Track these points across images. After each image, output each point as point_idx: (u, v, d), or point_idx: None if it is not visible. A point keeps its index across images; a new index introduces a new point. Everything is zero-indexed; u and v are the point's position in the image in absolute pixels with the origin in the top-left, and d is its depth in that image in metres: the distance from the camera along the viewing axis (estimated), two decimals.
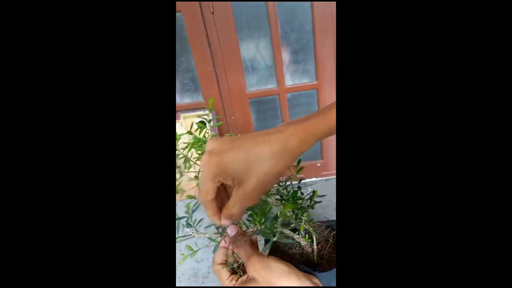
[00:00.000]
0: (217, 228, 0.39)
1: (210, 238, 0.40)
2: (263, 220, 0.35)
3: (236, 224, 0.36)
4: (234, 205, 0.28)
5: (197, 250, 0.40)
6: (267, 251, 0.33)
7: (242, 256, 0.34)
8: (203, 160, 0.27)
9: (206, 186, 0.28)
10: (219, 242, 0.39)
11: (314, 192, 0.47)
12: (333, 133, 0.29)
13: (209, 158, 0.27)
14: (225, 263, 0.37)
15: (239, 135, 0.29)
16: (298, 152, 0.27)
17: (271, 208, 0.36)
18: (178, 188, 0.42)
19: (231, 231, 0.35)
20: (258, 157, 0.26)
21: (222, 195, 0.31)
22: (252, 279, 0.32)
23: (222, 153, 0.26)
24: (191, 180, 0.45)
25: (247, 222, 0.39)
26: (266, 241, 0.33)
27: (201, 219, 0.40)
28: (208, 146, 0.28)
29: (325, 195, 0.51)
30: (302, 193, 0.51)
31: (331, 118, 0.29)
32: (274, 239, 0.34)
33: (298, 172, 0.46)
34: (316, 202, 0.48)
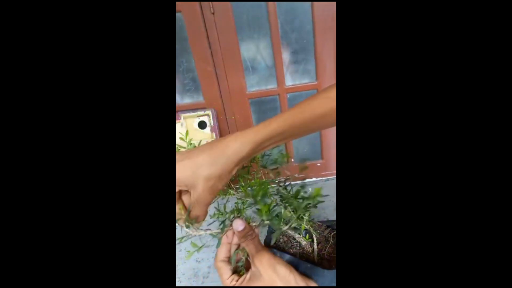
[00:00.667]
0: (220, 225, 0.39)
1: (211, 235, 0.40)
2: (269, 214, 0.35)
3: (243, 219, 0.37)
4: (193, 207, 0.32)
5: (202, 246, 0.40)
6: (275, 239, 0.34)
7: (250, 250, 0.35)
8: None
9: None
10: (221, 238, 0.39)
11: (316, 190, 0.47)
12: (279, 140, 0.34)
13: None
14: (228, 260, 0.38)
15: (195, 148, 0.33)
16: (237, 156, 0.31)
17: (275, 204, 0.36)
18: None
19: (238, 225, 0.36)
20: (201, 164, 0.30)
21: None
22: (255, 275, 0.33)
23: (177, 164, 0.30)
24: None
25: (254, 216, 0.39)
26: (271, 231, 0.34)
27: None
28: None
29: (328, 195, 0.51)
30: (305, 192, 0.51)
31: (275, 124, 0.33)
32: (285, 227, 0.34)
33: (302, 170, 0.47)
34: (319, 201, 0.48)
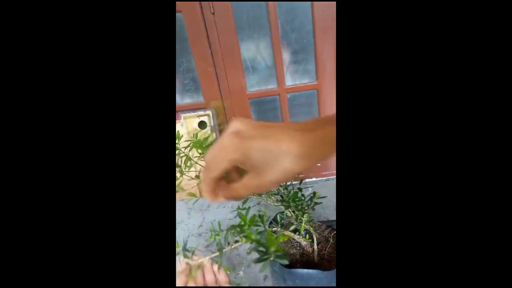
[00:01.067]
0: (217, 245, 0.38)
1: (212, 260, 0.40)
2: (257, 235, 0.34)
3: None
4: (242, 189, 0.27)
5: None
6: (265, 269, 0.31)
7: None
8: (225, 139, 0.25)
9: (218, 165, 0.26)
10: (220, 263, 0.38)
11: (314, 193, 0.47)
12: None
13: (232, 139, 0.25)
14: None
15: (263, 122, 0.27)
16: (326, 157, 0.25)
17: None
18: (177, 187, 0.42)
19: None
20: (287, 153, 0.24)
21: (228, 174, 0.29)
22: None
23: (248, 138, 0.25)
24: (191, 180, 0.45)
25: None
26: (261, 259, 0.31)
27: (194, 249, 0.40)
28: (234, 126, 0.26)
29: (326, 196, 0.51)
30: (303, 195, 0.50)
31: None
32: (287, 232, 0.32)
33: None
34: (316, 203, 0.48)
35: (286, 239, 0.45)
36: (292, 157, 0.24)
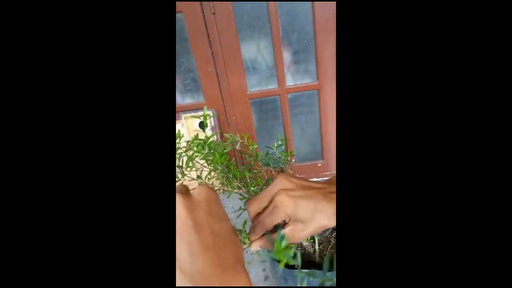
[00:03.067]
0: None
1: None
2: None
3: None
4: (291, 235, 0.32)
5: None
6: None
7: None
8: (278, 197, 0.31)
9: (273, 218, 0.31)
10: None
11: None
12: None
13: (285, 198, 0.31)
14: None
15: (302, 180, 0.33)
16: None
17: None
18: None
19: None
20: (323, 212, 0.30)
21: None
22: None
23: (297, 198, 0.30)
24: (192, 180, 0.45)
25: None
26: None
27: None
28: (282, 185, 0.32)
29: None
30: None
31: None
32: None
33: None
34: None
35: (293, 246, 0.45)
36: (327, 215, 0.30)
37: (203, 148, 0.42)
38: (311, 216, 0.30)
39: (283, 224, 0.33)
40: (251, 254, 0.38)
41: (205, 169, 0.46)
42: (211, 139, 0.44)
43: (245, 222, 0.37)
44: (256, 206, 0.33)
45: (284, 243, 0.30)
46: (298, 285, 0.33)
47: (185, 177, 0.43)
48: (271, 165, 0.55)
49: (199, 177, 0.45)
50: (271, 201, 0.32)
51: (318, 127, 1.36)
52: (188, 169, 0.43)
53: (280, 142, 0.55)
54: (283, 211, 0.31)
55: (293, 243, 0.34)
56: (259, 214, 0.33)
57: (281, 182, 0.32)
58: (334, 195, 0.31)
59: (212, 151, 0.42)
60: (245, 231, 0.36)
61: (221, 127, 1.37)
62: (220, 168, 0.44)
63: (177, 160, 0.43)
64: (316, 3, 1.10)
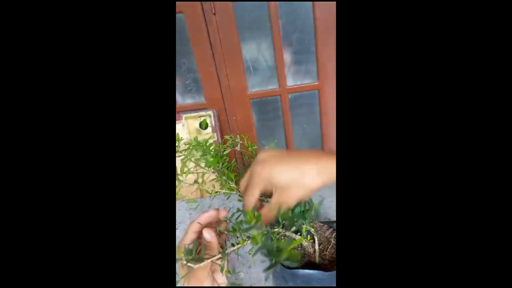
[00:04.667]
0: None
1: (217, 263, 0.40)
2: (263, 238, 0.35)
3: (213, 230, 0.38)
4: (271, 209, 0.33)
5: None
6: (269, 272, 0.35)
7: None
8: (253, 168, 0.32)
9: (252, 190, 0.33)
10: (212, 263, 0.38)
11: (315, 206, 0.46)
12: None
13: (259, 167, 0.32)
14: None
15: (284, 152, 0.35)
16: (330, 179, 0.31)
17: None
18: (177, 194, 0.42)
19: (206, 236, 0.37)
20: (306, 172, 0.30)
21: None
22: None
23: (272, 164, 0.31)
24: (190, 185, 0.45)
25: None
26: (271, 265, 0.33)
27: None
28: (260, 157, 0.33)
29: (325, 198, 0.51)
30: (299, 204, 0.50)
31: None
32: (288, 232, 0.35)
33: None
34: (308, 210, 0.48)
35: (297, 245, 0.45)
36: (311, 174, 0.30)
37: (195, 152, 0.42)
38: (294, 179, 0.31)
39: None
40: (252, 256, 0.38)
41: (205, 172, 0.46)
42: (210, 141, 0.44)
43: (241, 221, 0.37)
44: (243, 184, 0.35)
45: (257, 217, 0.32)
46: (298, 285, 0.33)
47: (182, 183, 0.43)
48: None
49: (196, 181, 0.45)
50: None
51: (319, 127, 1.36)
52: (184, 175, 0.43)
53: (272, 145, 0.55)
54: (260, 180, 0.32)
55: (287, 211, 0.35)
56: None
57: (260, 155, 0.34)
58: (316, 156, 0.31)
59: (206, 153, 0.42)
60: (241, 229, 0.36)
61: (222, 127, 1.37)
62: (215, 170, 0.44)
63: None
64: (316, 3, 1.10)
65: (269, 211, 0.34)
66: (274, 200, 0.33)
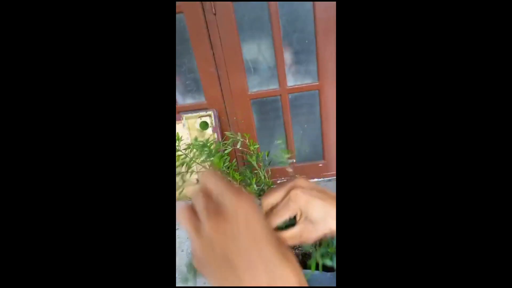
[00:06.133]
0: None
1: None
2: None
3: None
4: (292, 238, 0.33)
5: None
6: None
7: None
8: (293, 192, 0.32)
9: (284, 212, 0.32)
10: None
11: None
12: None
13: (300, 192, 0.32)
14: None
15: (319, 186, 0.35)
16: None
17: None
18: (180, 195, 0.42)
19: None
20: (329, 216, 0.31)
21: None
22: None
23: (311, 196, 0.32)
24: (194, 185, 0.44)
25: None
26: None
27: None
28: (300, 183, 0.33)
29: None
30: None
31: None
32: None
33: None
34: None
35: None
36: (330, 218, 0.31)
37: (201, 153, 0.42)
38: (322, 218, 0.31)
39: (293, 222, 0.33)
40: None
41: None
42: (211, 140, 0.44)
43: None
44: (271, 199, 0.34)
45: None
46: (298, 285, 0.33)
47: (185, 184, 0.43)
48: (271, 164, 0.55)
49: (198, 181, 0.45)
50: (286, 195, 0.33)
51: (319, 127, 1.36)
52: (188, 174, 0.43)
53: (279, 141, 0.55)
54: (296, 204, 0.32)
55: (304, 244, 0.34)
56: (272, 208, 0.34)
57: (299, 181, 0.33)
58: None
59: (211, 155, 0.42)
60: None
61: (222, 128, 1.37)
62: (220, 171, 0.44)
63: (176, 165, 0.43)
64: (317, 3, 1.10)
65: (290, 239, 0.33)
66: (299, 230, 0.33)
